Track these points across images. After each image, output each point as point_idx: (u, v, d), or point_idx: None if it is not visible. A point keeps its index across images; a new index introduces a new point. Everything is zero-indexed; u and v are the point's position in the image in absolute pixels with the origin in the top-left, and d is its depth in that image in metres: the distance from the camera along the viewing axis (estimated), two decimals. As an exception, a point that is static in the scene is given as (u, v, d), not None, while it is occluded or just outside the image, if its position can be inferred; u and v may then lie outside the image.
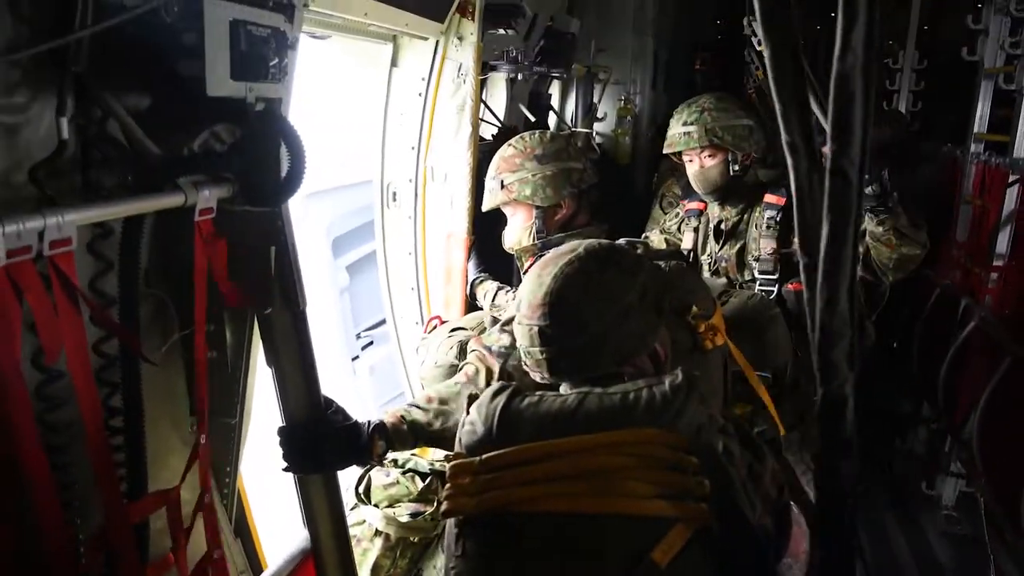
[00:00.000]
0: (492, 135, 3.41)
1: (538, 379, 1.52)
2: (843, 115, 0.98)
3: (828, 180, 1.00)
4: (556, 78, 3.97)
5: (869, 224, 2.56)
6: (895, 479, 4.28)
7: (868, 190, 2.37)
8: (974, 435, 3.35)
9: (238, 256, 1.52)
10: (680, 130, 2.84)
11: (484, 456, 1.32)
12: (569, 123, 4.32)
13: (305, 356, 1.66)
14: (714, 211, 3.00)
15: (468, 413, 1.41)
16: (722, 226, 2.97)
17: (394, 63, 2.73)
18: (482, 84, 2.98)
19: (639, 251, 1.59)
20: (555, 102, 4.32)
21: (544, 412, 1.35)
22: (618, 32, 4.58)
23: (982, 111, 4.08)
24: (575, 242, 1.55)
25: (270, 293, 1.58)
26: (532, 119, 3.68)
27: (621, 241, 1.61)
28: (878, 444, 4.39)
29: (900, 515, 3.97)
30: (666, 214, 3.54)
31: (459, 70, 2.67)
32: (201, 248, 1.41)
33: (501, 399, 1.38)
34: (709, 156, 2.83)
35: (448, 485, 1.33)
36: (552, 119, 4.22)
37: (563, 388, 1.49)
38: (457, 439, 1.41)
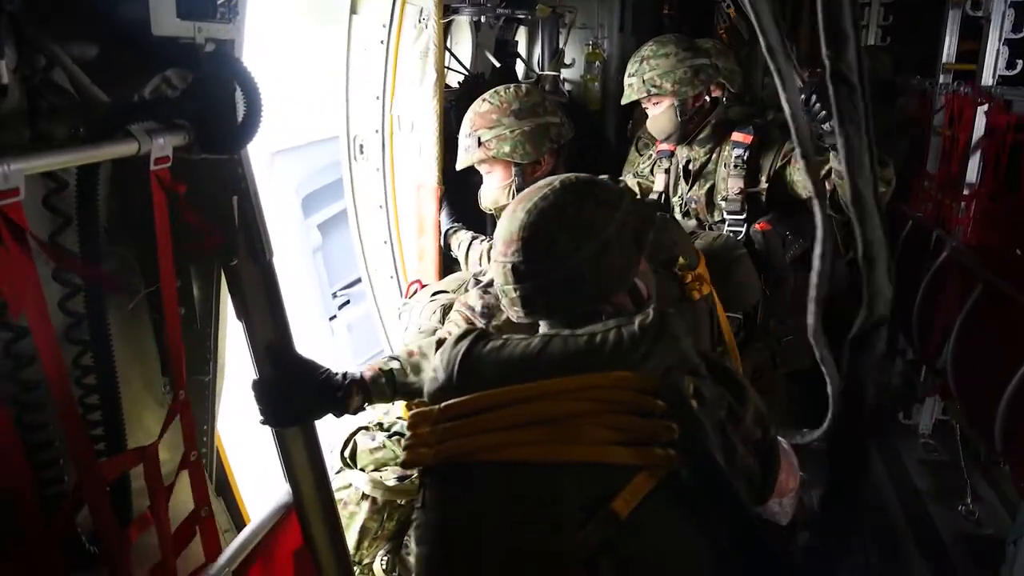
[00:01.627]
0: (458, 83, 3.35)
1: (514, 319, 1.49)
2: (833, 22, 0.97)
3: (831, 90, 1.00)
4: (520, 21, 3.89)
5: (833, 162, 2.54)
6: (876, 414, 4.35)
7: (826, 126, 2.35)
8: (948, 363, 3.40)
9: (199, 207, 1.48)
10: (626, 82, 2.89)
11: (443, 404, 1.28)
12: (536, 69, 4.25)
13: (275, 307, 1.62)
14: (683, 152, 3.00)
15: (432, 369, 1.39)
16: (690, 167, 2.97)
17: (353, 10, 2.65)
18: (446, 30, 2.91)
19: (621, 184, 1.53)
20: (522, 49, 4.24)
21: (507, 357, 1.31)
22: (583, -28, 4.49)
23: (950, 41, 4.07)
24: (551, 177, 1.49)
25: (235, 244, 1.55)
26: (498, 66, 3.61)
27: (603, 177, 1.55)
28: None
29: (879, 444, 4.05)
30: (642, 155, 3.54)
31: (421, 14, 2.60)
32: (160, 198, 1.36)
33: (464, 344, 1.35)
34: (655, 104, 2.87)
35: (408, 435, 1.30)
36: (520, 67, 4.15)
37: (542, 328, 1.46)
38: (425, 389, 1.39)
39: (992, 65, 3.51)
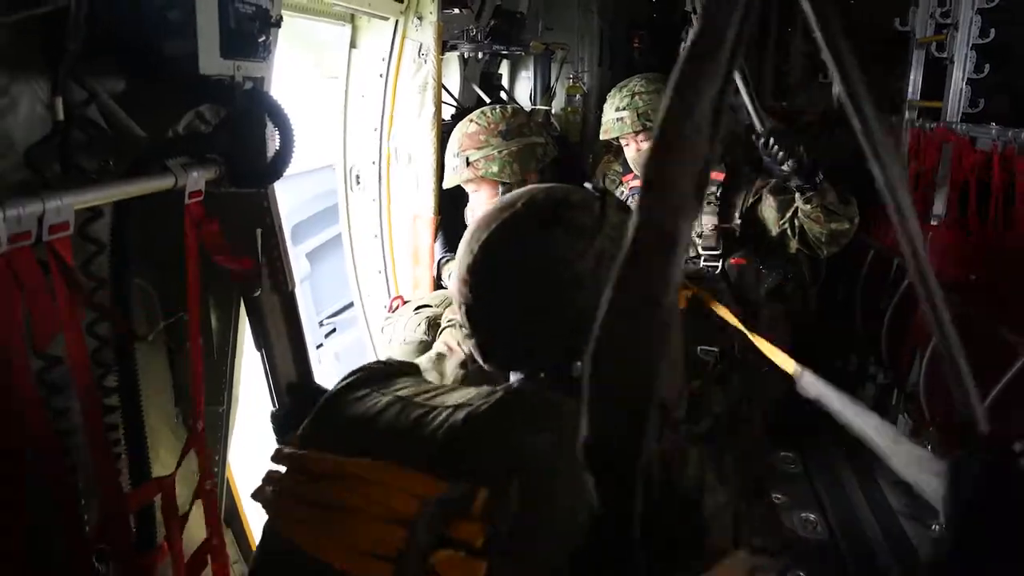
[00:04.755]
0: (451, 115, 3.41)
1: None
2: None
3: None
4: (506, 57, 3.98)
5: (798, 202, 2.59)
6: (848, 434, 4.45)
7: (786, 166, 2.43)
8: (921, 386, 3.52)
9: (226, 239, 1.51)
10: (613, 116, 2.86)
11: (286, 450, 1.11)
12: (523, 103, 4.34)
13: (295, 338, 1.65)
14: None
15: None
16: None
17: (353, 44, 2.70)
18: (439, 64, 2.96)
19: (604, 200, 1.21)
20: (505, 82, 4.33)
21: (351, 415, 1.10)
22: (564, 10, 4.61)
23: (915, 79, 4.25)
24: (516, 193, 1.21)
25: (258, 275, 1.57)
26: (487, 100, 3.68)
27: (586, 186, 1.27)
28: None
29: (855, 468, 4.14)
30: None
31: (420, 50, 2.66)
32: (192, 231, 1.39)
33: (338, 387, 1.16)
34: (644, 140, 2.83)
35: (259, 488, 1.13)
36: (504, 99, 4.23)
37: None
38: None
39: (956, 104, 3.68)
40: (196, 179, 1.35)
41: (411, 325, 2.43)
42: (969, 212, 3.46)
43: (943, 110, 3.78)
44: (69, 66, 1.13)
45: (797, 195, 2.58)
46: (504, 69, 4.27)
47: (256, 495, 1.12)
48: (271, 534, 1.07)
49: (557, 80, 4.41)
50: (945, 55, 3.77)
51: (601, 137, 2.99)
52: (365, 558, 0.93)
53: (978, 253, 3.46)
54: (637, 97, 2.83)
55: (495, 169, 2.28)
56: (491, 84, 3.95)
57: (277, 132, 1.39)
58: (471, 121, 2.35)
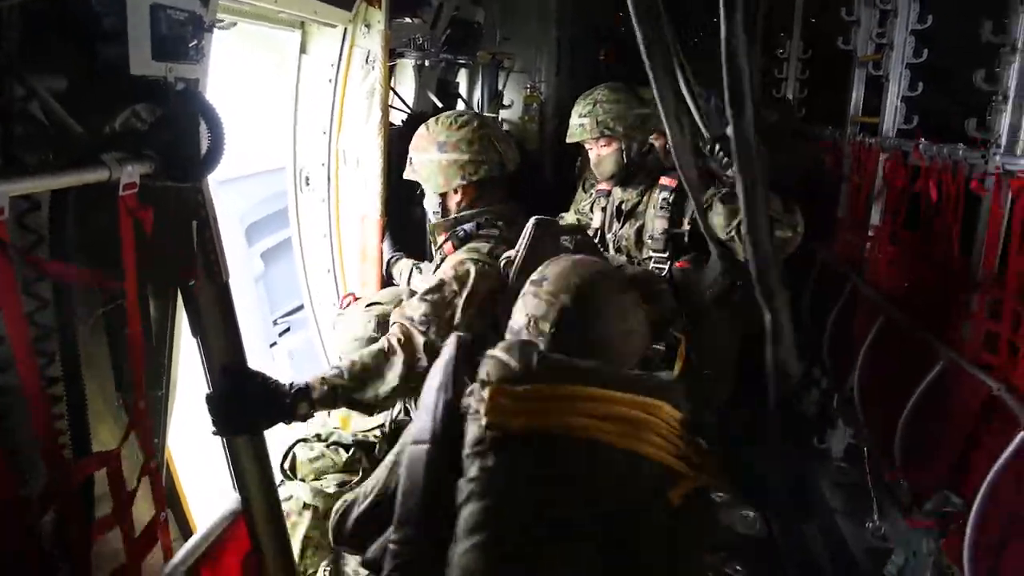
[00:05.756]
0: (402, 121, 3.51)
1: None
2: (735, 86, 1.15)
3: (733, 143, 1.19)
4: (462, 65, 4.10)
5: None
6: (789, 436, 4.60)
7: (730, 171, 2.55)
8: (855, 390, 3.67)
9: (161, 231, 1.60)
10: (576, 121, 3.01)
11: (532, 385, 1.42)
12: (476, 109, 4.46)
13: (229, 325, 1.74)
14: (617, 193, 3.18)
15: (491, 357, 1.50)
16: (623, 206, 3.16)
17: (303, 50, 2.80)
18: (391, 71, 3.07)
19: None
20: (463, 90, 4.45)
21: (577, 366, 1.50)
22: (522, 20, 4.75)
23: (857, 95, 4.42)
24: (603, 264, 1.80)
25: (194, 266, 1.66)
26: (440, 106, 3.79)
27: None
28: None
29: (795, 468, 4.28)
30: (587, 194, 3.73)
31: (367, 57, 2.76)
32: (127, 221, 1.47)
33: (535, 347, 1.51)
34: (604, 146, 3.00)
35: (489, 402, 1.40)
36: (460, 106, 4.34)
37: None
38: (483, 371, 1.47)
39: (892, 119, 3.85)
40: (130, 172, 1.43)
41: (361, 321, 2.52)
42: (906, 223, 3.62)
43: (880, 126, 3.95)
44: (5, 64, 1.21)
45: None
46: (462, 77, 4.40)
47: (499, 424, 1.39)
48: (572, 443, 1.39)
49: (503, 88, 4.54)
50: (881, 73, 3.94)
51: (567, 140, 3.12)
52: (667, 455, 1.39)
53: (909, 261, 3.62)
54: (598, 106, 2.97)
55: (423, 175, 2.41)
56: (447, 91, 4.06)
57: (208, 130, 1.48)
58: (426, 125, 2.47)
